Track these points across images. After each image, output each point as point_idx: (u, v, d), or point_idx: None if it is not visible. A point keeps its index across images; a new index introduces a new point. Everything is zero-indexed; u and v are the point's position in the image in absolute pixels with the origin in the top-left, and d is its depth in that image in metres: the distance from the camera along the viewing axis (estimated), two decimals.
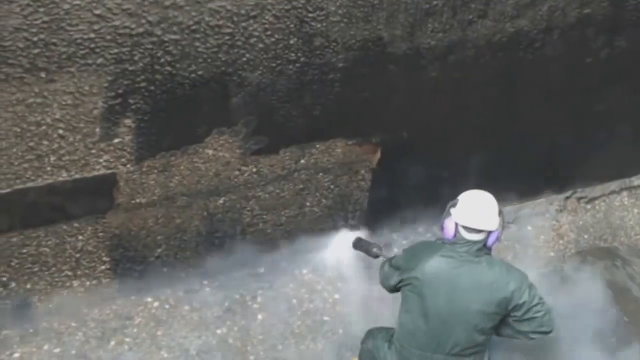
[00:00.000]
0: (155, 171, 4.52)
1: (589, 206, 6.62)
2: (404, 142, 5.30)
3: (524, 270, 4.13)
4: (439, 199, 5.69)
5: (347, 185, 5.31)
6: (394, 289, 4.26)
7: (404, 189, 5.55)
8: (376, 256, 4.80)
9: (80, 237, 4.57)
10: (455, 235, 3.99)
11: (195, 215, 4.87)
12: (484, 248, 3.99)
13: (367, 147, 5.20)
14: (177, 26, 4.01)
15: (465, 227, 3.95)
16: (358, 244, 5.03)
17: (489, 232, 3.98)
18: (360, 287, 5.40)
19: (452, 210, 4.02)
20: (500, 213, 4.05)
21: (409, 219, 5.74)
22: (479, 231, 3.94)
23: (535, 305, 3.93)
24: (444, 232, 4.07)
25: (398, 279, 4.13)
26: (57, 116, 4.02)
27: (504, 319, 4.03)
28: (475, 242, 3.94)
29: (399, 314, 4.21)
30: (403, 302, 4.15)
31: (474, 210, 3.95)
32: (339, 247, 5.40)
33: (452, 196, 4.21)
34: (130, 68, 4.03)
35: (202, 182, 4.72)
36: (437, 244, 4.10)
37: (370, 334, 4.55)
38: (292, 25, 4.32)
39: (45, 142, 4.09)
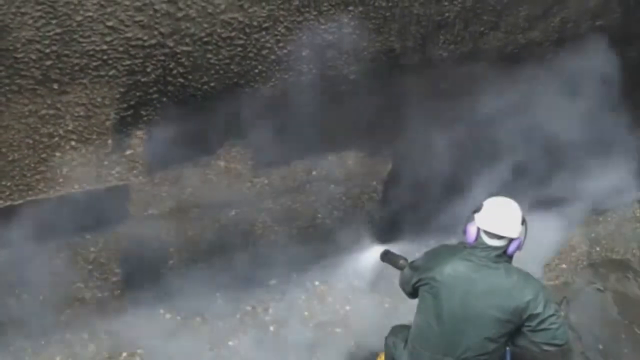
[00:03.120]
0: (167, 183, 4.53)
1: (600, 218, 6.59)
2: (416, 153, 5.29)
3: None
4: (450, 211, 5.71)
5: (359, 197, 5.30)
6: (412, 291, 4.23)
7: (416, 201, 5.54)
8: (402, 268, 4.71)
9: (92, 249, 4.58)
10: (476, 239, 3.98)
11: (207, 227, 4.87)
12: (504, 255, 3.95)
13: (379, 159, 5.20)
14: (189, 38, 4.01)
15: (486, 232, 3.93)
16: (385, 257, 4.96)
17: (511, 240, 3.95)
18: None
19: (476, 215, 4.00)
20: (524, 222, 4.03)
21: (420, 231, 5.73)
22: (500, 237, 3.92)
23: (550, 316, 3.90)
24: (466, 236, 4.05)
25: (416, 279, 4.12)
26: (69, 128, 4.03)
27: (520, 329, 4.01)
28: (495, 248, 3.92)
29: (415, 314, 4.20)
30: (419, 302, 4.14)
31: (497, 216, 3.93)
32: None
33: (463, 207, 4.18)
34: (142, 80, 4.04)
35: (213, 194, 4.73)
36: (458, 247, 4.10)
37: (394, 330, 4.55)
38: (304, 37, 4.33)
39: (58, 154, 4.09)
